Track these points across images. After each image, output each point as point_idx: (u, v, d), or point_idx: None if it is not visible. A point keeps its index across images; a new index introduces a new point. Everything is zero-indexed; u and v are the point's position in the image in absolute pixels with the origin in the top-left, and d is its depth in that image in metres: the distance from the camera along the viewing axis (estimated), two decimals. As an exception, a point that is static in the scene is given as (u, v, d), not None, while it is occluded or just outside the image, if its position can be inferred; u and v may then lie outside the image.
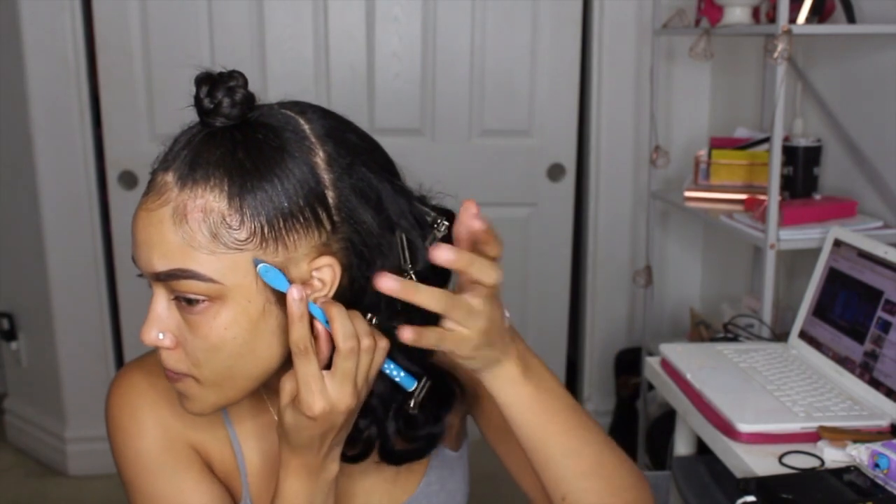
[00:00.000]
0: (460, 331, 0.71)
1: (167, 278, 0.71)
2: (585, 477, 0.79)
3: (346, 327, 0.71)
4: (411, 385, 0.78)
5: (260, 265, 0.71)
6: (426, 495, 0.93)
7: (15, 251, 2.78)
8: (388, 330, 0.75)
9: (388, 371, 0.77)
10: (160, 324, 0.74)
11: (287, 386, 0.73)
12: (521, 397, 0.77)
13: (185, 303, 0.72)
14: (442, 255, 0.68)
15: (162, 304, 0.74)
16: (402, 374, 0.77)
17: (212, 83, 0.71)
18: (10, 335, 2.87)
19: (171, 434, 0.86)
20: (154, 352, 0.88)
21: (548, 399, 0.78)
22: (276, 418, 0.89)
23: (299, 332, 0.70)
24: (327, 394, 0.71)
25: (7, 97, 2.62)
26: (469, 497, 0.99)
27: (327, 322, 0.72)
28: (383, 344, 0.75)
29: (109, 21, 2.51)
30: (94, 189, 2.62)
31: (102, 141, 2.59)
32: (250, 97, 0.73)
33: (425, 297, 0.68)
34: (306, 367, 0.71)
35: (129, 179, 2.59)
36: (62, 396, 2.73)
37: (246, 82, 0.73)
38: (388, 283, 0.67)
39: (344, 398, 0.72)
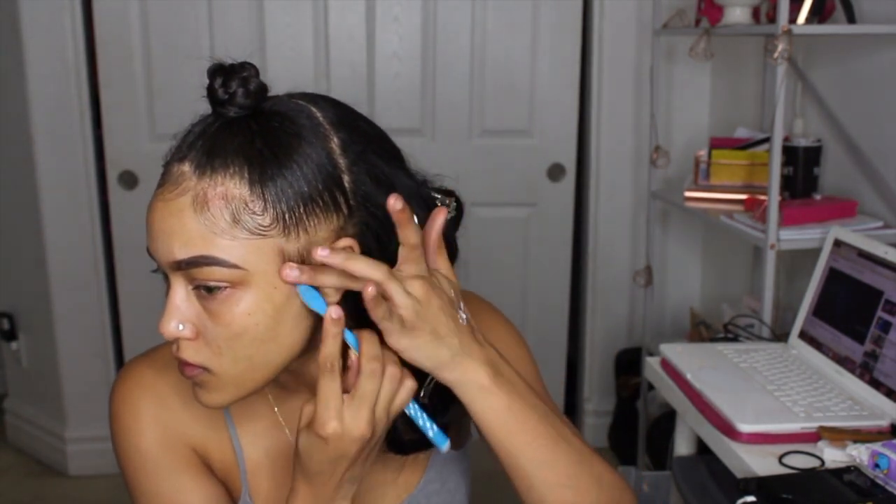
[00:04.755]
0: (395, 307, 0.71)
1: (188, 266, 0.71)
2: (559, 488, 0.78)
3: (373, 350, 0.72)
4: (444, 444, 0.76)
5: (300, 285, 0.72)
6: (426, 494, 0.93)
7: (15, 251, 2.78)
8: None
9: (420, 422, 0.76)
10: (179, 315, 0.73)
11: (307, 409, 0.73)
12: (491, 405, 0.76)
13: (205, 291, 0.72)
14: (391, 202, 0.70)
15: (181, 294, 0.73)
16: (436, 429, 0.76)
17: (226, 73, 0.72)
18: (10, 335, 2.87)
19: (171, 433, 0.86)
20: (160, 347, 0.89)
21: (520, 408, 0.77)
22: (279, 418, 0.89)
23: (330, 349, 0.71)
24: (342, 415, 0.71)
25: (7, 97, 2.62)
26: (470, 496, 0.99)
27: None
28: (409, 382, 0.74)
29: (109, 21, 2.51)
30: (94, 189, 2.62)
31: (102, 141, 2.59)
32: (264, 87, 0.74)
33: (363, 266, 0.70)
34: (329, 384, 0.71)
35: (129, 179, 2.60)
36: (62, 396, 2.73)
37: (258, 72, 0.74)
38: (322, 255, 0.70)
39: (358, 424, 0.72)
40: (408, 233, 0.72)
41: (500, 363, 0.77)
